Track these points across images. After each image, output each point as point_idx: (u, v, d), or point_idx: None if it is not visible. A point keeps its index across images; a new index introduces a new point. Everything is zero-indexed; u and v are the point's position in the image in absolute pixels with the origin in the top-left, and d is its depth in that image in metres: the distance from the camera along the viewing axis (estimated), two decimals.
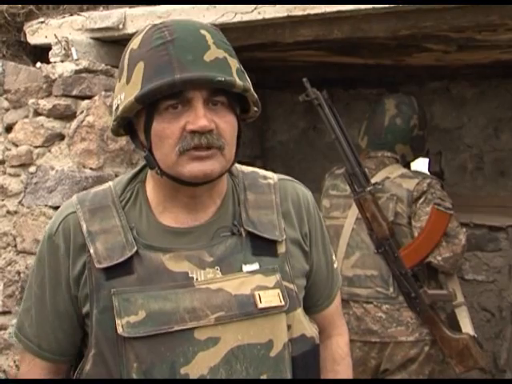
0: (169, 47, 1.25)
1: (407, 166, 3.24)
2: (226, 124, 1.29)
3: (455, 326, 2.95)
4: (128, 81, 1.29)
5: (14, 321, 2.93)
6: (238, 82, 1.27)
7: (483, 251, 4.19)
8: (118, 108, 1.31)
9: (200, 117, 1.24)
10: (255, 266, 1.34)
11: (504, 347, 4.14)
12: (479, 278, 4.23)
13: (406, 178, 2.97)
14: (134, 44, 1.31)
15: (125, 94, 1.29)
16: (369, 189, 2.90)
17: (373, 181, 2.95)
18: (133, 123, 1.34)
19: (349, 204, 3.03)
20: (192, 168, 1.27)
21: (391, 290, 2.91)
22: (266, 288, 1.32)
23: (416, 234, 2.89)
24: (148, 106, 1.26)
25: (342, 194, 3.10)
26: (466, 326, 2.95)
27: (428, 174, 3.15)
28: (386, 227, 2.87)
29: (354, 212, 3.02)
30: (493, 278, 4.21)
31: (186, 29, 1.28)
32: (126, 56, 1.33)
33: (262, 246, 1.37)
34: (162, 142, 1.27)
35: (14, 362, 2.97)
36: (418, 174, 3.05)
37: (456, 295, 2.97)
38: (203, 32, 1.28)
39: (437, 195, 2.90)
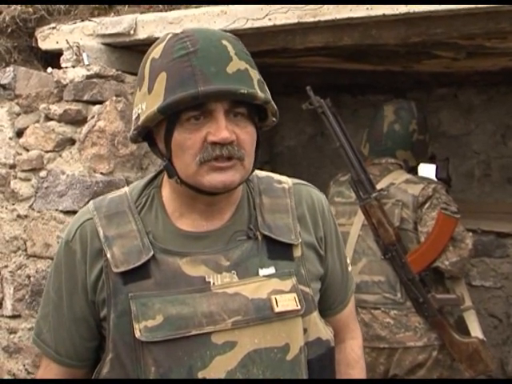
0: (192, 58, 1.25)
1: (414, 171, 3.25)
2: (247, 135, 1.30)
3: (463, 331, 2.95)
4: (150, 91, 1.29)
5: (24, 324, 2.94)
6: (260, 94, 1.28)
7: (491, 257, 4.19)
8: (138, 117, 1.32)
9: (222, 128, 1.25)
10: (271, 270, 1.35)
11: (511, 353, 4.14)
12: (487, 284, 4.23)
13: (410, 184, 2.97)
14: (155, 53, 1.31)
15: (146, 104, 1.29)
16: (374, 195, 2.89)
17: (378, 187, 2.95)
18: (152, 132, 1.34)
19: (354, 211, 3.03)
20: (212, 178, 1.27)
21: (399, 295, 2.90)
22: (282, 292, 1.33)
23: (422, 239, 2.88)
24: (169, 117, 1.27)
25: (347, 201, 3.10)
26: (475, 330, 2.95)
27: (433, 179, 3.15)
28: (392, 233, 2.87)
29: (359, 218, 3.02)
30: (500, 284, 4.21)
31: (208, 39, 1.28)
32: (147, 65, 1.32)
33: (278, 250, 1.38)
34: (183, 152, 1.27)
35: (24, 365, 2.97)
36: (422, 179, 3.04)
37: (464, 299, 2.96)
38: (225, 42, 1.28)
39: (442, 200, 2.90)
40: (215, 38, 1.29)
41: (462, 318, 3.02)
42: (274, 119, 1.39)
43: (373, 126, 3.21)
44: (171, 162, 1.31)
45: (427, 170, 4.26)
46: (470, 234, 2.94)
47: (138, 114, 1.32)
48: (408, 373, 2.93)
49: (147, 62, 1.33)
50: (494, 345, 4.10)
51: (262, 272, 1.34)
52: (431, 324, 2.88)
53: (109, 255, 1.33)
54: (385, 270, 2.93)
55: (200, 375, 1.27)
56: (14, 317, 3.00)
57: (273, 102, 1.33)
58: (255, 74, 1.30)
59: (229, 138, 1.25)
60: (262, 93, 1.29)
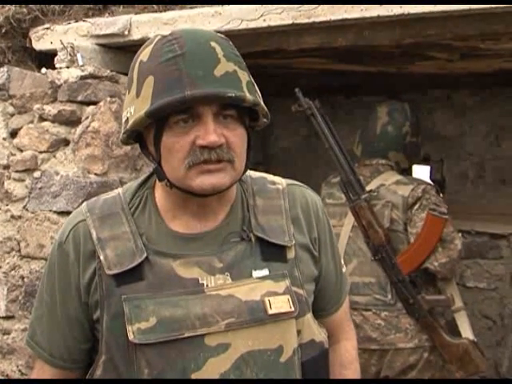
0: (179, 62, 1.24)
1: (407, 172, 3.25)
2: (236, 137, 1.29)
3: (455, 332, 2.96)
4: (138, 94, 1.28)
5: (18, 325, 2.94)
6: (248, 96, 1.26)
7: (484, 259, 4.19)
8: (127, 121, 1.31)
9: (210, 132, 1.24)
10: (265, 272, 1.35)
11: (506, 355, 4.14)
12: (480, 285, 4.23)
13: (400, 185, 2.98)
14: (144, 56, 1.30)
15: (134, 108, 1.29)
16: (364, 196, 2.90)
17: (368, 188, 2.95)
18: (142, 134, 1.34)
19: (345, 212, 3.04)
20: (201, 181, 1.27)
21: (389, 296, 2.91)
22: (275, 294, 1.33)
23: (412, 240, 2.89)
24: (158, 120, 1.26)
25: (337, 203, 3.10)
26: (466, 331, 2.95)
27: (423, 180, 3.15)
28: (382, 234, 2.87)
29: (350, 220, 3.02)
30: (494, 286, 4.21)
31: (196, 41, 1.27)
32: (136, 68, 1.32)
33: (272, 252, 1.37)
34: (172, 155, 1.27)
35: (17, 366, 2.97)
36: (412, 180, 3.05)
37: (454, 300, 2.97)
38: (213, 44, 1.27)
39: (432, 201, 2.91)
40: (203, 39, 1.28)
41: (454, 319, 3.02)
42: (265, 120, 1.38)
43: (366, 127, 3.21)
44: (161, 165, 1.31)
45: (422, 171, 4.28)
46: (460, 234, 2.95)
47: (127, 118, 1.31)
48: (399, 374, 2.94)
49: (135, 65, 1.32)
50: (488, 346, 4.10)
51: (256, 274, 1.34)
52: (422, 325, 2.89)
53: (102, 257, 1.33)
54: (375, 271, 2.94)
55: (193, 377, 1.27)
56: (7, 317, 3.00)
57: (263, 104, 1.32)
58: (244, 76, 1.29)
59: (217, 141, 1.24)
60: (251, 95, 1.28)
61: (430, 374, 2.94)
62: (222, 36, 1.33)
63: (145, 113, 1.25)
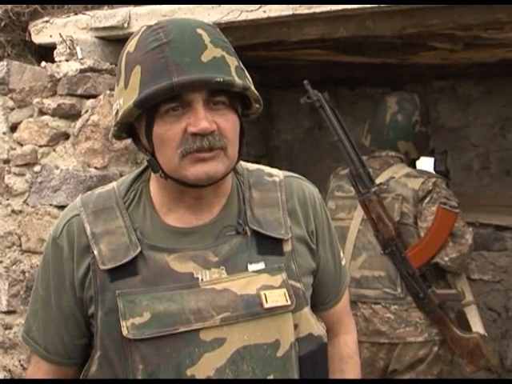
0: (165, 49, 1.23)
1: (413, 164, 3.22)
2: (228, 123, 1.27)
3: (464, 326, 2.93)
4: (126, 85, 1.27)
5: (20, 320, 2.93)
6: (237, 80, 1.25)
7: (489, 251, 4.17)
8: (117, 113, 1.30)
9: (200, 119, 1.22)
10: (261, 266, 1.33)
11: (510, 347, 4.12)
12: (485, 277, 4.21)
13: (411, 178, 2.95)
14: (130, 47, 1.29)
15: (123, 99, 1.27)
16: (373, 189, 2.87)
17: (377, 181, 2.93)
18: (134, 127, 1.33)
19: (354, 205, 3.01)
20: (195, 170, 1.25)
21: (399, 290, 2.88)
22: (271, 287, 1.31)
23: (422, 234, 2.87)
24: (148, 110, 1.25)
25: (347, 196, 3.08)
26: (476, 325, 2.93)
27: (433, 173, 3.12)
28: (392, 227, 2.85)
29: (359, 213, 2.99)
30: (499, 278, 4.19)
31: (182, 29, 1.26)
32: (123, 59, 1.31)
33: (268, 245, 1.36)
34: (164, 145, 1.26)
35: (20, 361, 2.97)
36: (423, 173, 3.02)
37: (464, 294, 2.94)
38: (199, 31, 1.26)
39: (442, 194, 2.88)
40: (189, 27, 1.26)
41: (463, 312, 3.00)
42: (257, 106, 1.36)
43: (375, 117, 3.19)
44: (154, 156, 1.29)
45: (425, 163, 4.25)
46: (470, 229, 2.91)
47: (117, 110, 1.30)
48: (408, 368, 2.92)
49: (123, 57, 1.31)
50: (493, 339, 4.08)
51: (251, 267, 1.32)
52: (432, 319, 2.86)
53: (96, 252, 1.31)
54: (385, 264, 2.92)
55: (188, 372, 1.25)
56: (8, 312, 3.00)
57: (253, 89, 1.30)
58: (233, 61, 1.27)
59: (208, 128, 1.23)
60: (240, 79, 1.26)
61: (439, 368, 2.92)
62: (209, 23, 1.32)
63: (133, 103, 1.23)
